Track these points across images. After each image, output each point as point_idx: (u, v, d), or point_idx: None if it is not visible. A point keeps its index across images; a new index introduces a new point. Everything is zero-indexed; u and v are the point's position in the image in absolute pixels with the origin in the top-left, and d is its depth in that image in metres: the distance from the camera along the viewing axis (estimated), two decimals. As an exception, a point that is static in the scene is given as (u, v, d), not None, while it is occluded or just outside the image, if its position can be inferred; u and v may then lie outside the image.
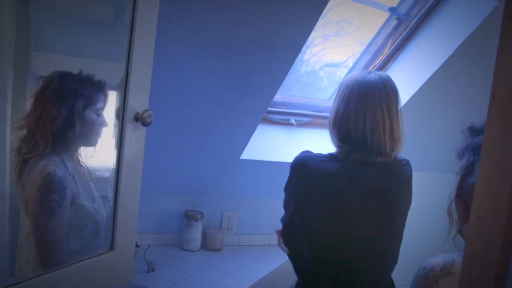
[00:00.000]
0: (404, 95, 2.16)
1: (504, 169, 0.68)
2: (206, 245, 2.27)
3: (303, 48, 1.85)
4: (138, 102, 1.15)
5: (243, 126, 2.00)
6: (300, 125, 2.36)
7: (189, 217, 2.21)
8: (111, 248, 1.18)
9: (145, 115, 1.16)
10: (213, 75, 1.78)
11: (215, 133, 2.00)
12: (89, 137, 1.31)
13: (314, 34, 2.29)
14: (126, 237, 1.21)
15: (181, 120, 1.91)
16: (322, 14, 1.67)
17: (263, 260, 2.20)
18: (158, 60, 1.63)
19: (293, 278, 1.54)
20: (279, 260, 2.15)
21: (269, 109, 2.28)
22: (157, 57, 1.61)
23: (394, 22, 2.10)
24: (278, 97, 2.30)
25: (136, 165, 1.20)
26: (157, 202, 2.21)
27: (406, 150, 1.43)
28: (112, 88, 1.22)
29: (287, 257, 1.53)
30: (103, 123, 1.31)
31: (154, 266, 1.94)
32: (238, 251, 2.29)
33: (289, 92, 2.40)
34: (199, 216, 2.22)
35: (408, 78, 2.17)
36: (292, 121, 2.33)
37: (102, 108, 1.29)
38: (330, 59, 2.37)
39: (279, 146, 2.29)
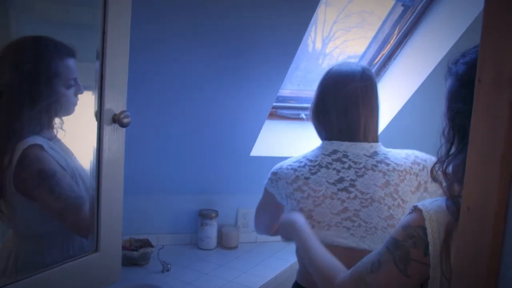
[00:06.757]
0: (414, 83, 2.11)
1: (491, 156, 0.64)
2: (222, 243, 2.27)
3: (326, 41, 1.81)
4: (115, 103, 1.14)
5: (249, 123, 1.99)
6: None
7: (204, 216, 2.22)
8: (96, 249, 1.18)
9: (122, 116, 1.15)
10: (213, 73, 1.77)
11: (222, 131, 2.00)
12: (60, 111, 1.21)
13: (336, 26, 2.26)
14: (111, 238, 1.20)
15: (187, 121, 1.91)
16: (343, 6, 1.61)
17: (279, 257, 2.18)
18: (162, 60, 1.64)
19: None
20: (295, 256, 2.12)
21: (279, 104, 2.26)
22: (158, 57, 1.62)
23: (400, 9, 2.04)
24: (286, 92, 2.28)
25: (117, 166, 1.19)
26: (171, 202, 2.22)
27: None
28: (89, 89, 1.19)
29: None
30: (78, 90, 1.21)
31: (169, 266, 1.95)
32: (254, 249, 2.29)
33: (310, 87, 2.37)
34: (213, 215, 2.22)
35: (416, 65, 2.11)
36: (302, 115, 2.30)
37: (74, 78, 1.19)
38: (354, 50, 2.34)
39: (291, 140, 2.26)
